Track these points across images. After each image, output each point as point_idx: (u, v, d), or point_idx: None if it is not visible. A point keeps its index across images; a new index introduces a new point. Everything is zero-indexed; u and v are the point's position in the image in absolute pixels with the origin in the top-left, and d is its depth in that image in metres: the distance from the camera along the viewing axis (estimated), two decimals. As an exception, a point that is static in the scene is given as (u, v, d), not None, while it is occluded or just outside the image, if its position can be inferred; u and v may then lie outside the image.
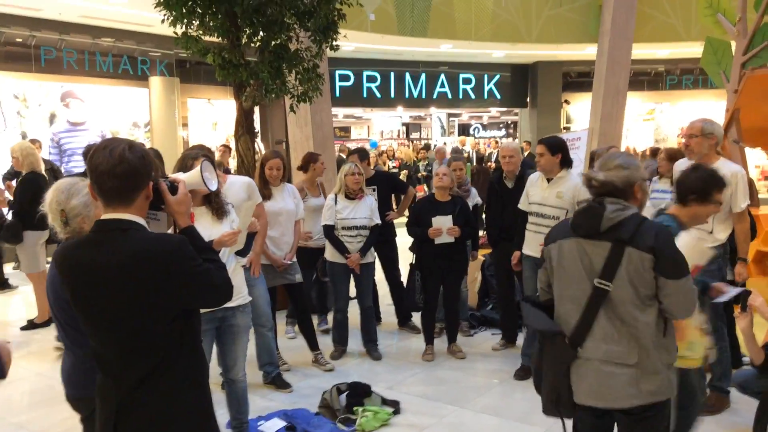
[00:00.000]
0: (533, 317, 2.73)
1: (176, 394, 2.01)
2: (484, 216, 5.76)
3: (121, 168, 1.92)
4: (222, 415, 4.11)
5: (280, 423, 4.05)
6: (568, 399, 2.59)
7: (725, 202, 4.05)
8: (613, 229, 2.47)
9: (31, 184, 6.35)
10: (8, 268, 9.31)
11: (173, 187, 2.10)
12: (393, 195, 6.58)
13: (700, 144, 4.09)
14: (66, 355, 2.68)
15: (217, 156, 3.72)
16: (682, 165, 4.32)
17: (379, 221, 5.45)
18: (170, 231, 2.16)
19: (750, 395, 3.76)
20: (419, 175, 16.06)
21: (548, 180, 4.76)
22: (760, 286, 5.43)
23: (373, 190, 6.00)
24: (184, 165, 3.41)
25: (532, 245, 4.85)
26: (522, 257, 4.97)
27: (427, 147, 19.13)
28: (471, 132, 25.68)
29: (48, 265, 6.47)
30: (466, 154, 15.63)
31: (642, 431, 2.58)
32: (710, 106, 17.10)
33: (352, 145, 20.50)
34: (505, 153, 5.45)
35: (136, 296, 1.92)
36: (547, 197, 4.74)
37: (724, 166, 4.10)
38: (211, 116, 14.58)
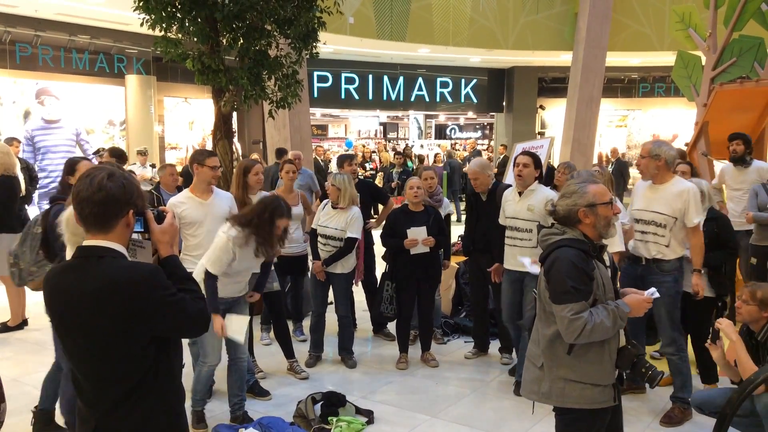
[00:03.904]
0: None
1: (150, 420, 2.05)
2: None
3: (99, 196, 1.96)
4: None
5: (256, 433, 4.11)
6: None
7: (679, 218, 4.19)
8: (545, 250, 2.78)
9: (4, 187, 6.31)
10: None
11: (160, 216, 2.14)
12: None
13: (647, 165, 4.24)
14: (66, 380, 2.66)
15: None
16: (640, 186, 4.46)
17: (354, 235, 5.34)
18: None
19: (708, 415, 3.90)
20: (392, 184, 13.48)
21: (520, 194, 4.88)
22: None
23: None
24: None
25: (508, 259, 4.94)
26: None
27: (406, 155, 16.13)
28: (447, 133, 25.85)
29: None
30: (441, 163, 15.15)
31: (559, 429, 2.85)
32: (681, 114, 17.45)
33: (327, 145, 20.51)
34: (470, 175, 5.47)
35: (108, 323, 1.94)
36: (519, 211, 4.84)
37: (676, 184, 4.24)
38: (188, 115, 14.51)
